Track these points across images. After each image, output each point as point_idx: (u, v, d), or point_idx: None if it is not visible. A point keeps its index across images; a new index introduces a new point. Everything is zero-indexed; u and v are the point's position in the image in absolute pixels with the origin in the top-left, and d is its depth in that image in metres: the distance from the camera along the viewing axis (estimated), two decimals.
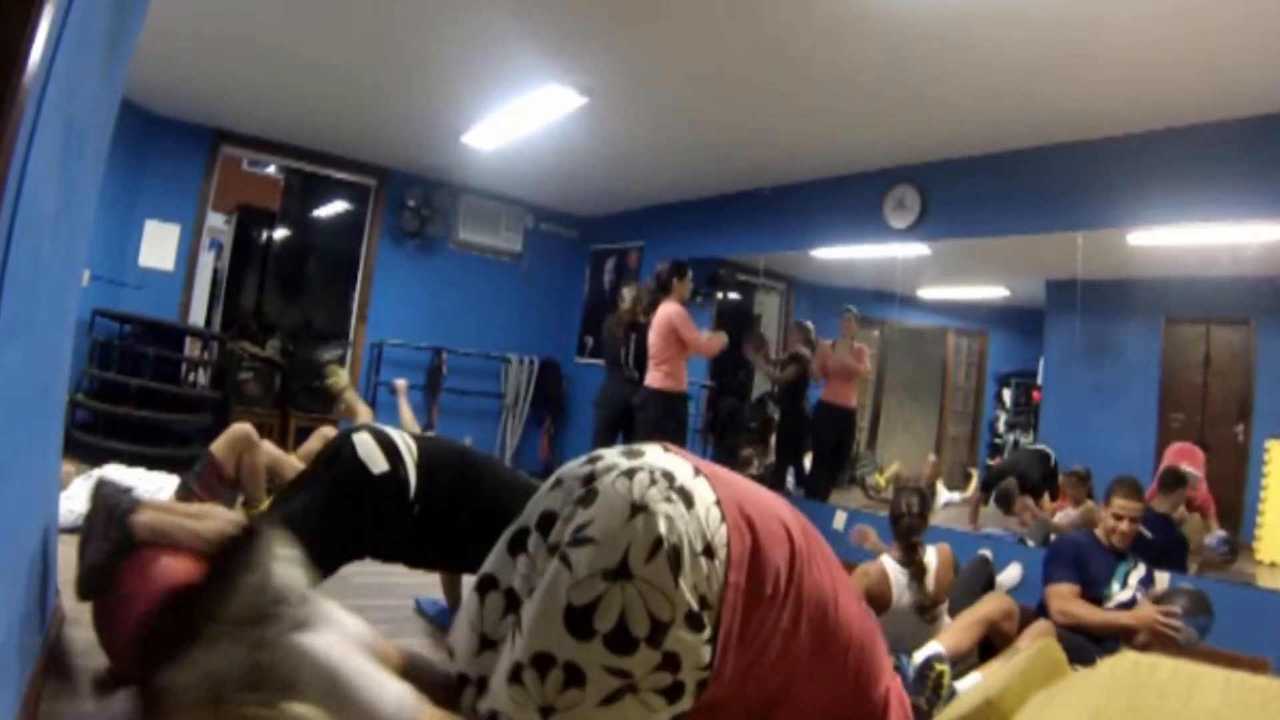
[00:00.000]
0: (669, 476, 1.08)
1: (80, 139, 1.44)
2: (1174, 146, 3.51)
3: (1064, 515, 4.09)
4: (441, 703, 1.12)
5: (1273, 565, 3.64)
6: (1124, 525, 2.79)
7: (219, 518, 1.86)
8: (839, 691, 1.25)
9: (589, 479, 1.12)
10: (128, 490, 1.86)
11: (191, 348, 5.60)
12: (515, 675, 1.02)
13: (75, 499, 3.11)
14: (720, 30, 3.21)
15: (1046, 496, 4.32)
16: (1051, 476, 4.30)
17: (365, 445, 1.94)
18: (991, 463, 5.23)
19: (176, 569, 1.74)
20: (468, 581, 2.64)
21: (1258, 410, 3.93)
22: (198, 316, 5.77)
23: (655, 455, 1.14)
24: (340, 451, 1.95)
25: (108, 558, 1.71)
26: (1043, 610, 2.76)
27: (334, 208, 7.46)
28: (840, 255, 5.17)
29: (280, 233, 7.55)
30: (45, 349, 1.47)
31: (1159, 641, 2.53)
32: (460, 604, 2.62)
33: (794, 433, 5.63)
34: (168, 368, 5.06)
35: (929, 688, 2.16)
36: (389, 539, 1.98)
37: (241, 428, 3.25)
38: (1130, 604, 2.73)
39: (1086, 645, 2.49)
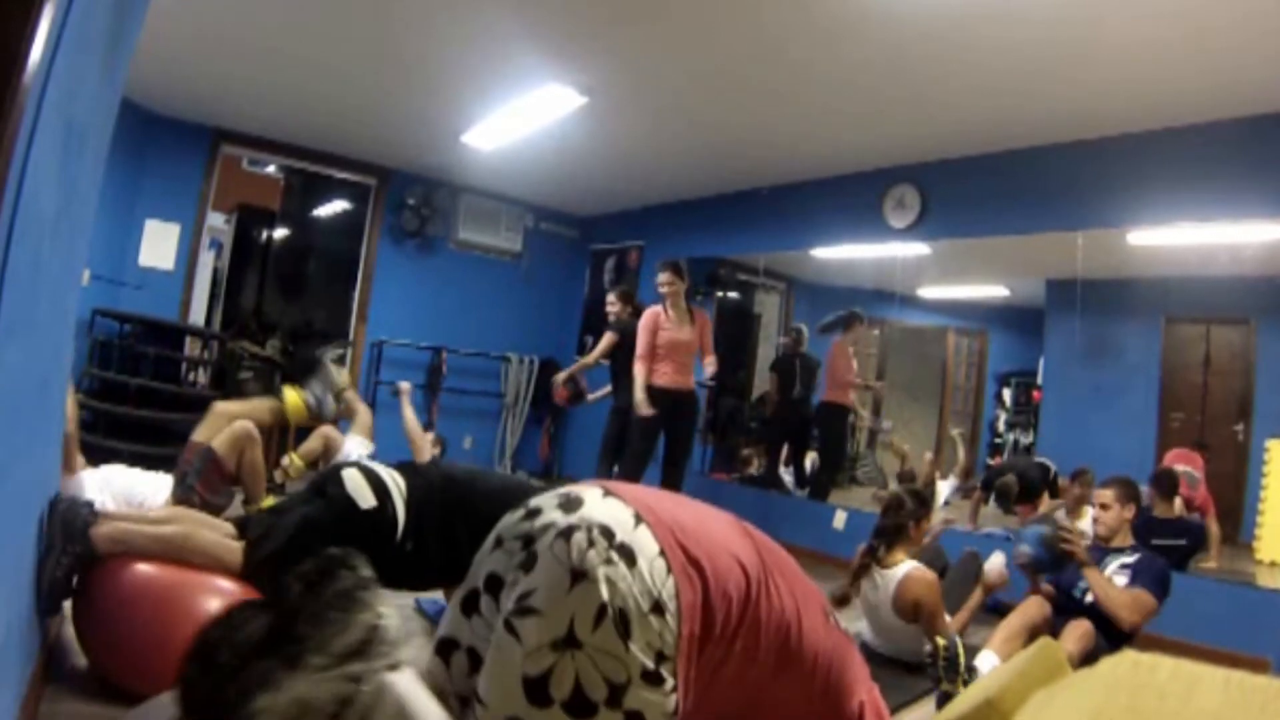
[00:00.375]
0: (608, 534, 1.06)
1: (80, 139, 1.44)
2: (1174, 146, 3.52)
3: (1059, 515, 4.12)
4: None
5: (1273, 565, 3.65)
6: (1097, 511, 2.88)
7: (184, 520, 1.86)
8: (806, 708, 1.25)
9: (528, 540, 1.10)
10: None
11: (191, 347, 5.61)
12: None
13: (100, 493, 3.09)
14: (720, 30, 3.21)
15: (1046, 496, 4.32)
16: (1052, 484, 4.31)
17: (353, 480, 1.96)
18: (991, 462, 5.23)
19: (156, 577, 1.76)
20: None
21: (1258, 410, 3.93)
22: (198, 316, 5.77)
23: (593, 506, 1.11)
24: (327, 486, 1.97)
25: (68, 572, 1.71)
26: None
27: (334, 207, 7.46)
28: (840, 255, 5.17)
29: (280, 232, 7.55)
30: (45, 348, 1.47)
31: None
32: None
33: (784, 431, 5.71)
34: (168, 367, 5.06)
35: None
36: (382, 571, 1.97)
37: (243, 425, 3.26)
38: None
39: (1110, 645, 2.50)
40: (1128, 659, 0.97)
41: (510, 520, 1.18)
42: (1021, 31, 2.90)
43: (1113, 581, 2.67)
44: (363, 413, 4.06)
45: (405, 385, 4.62)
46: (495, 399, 6.64)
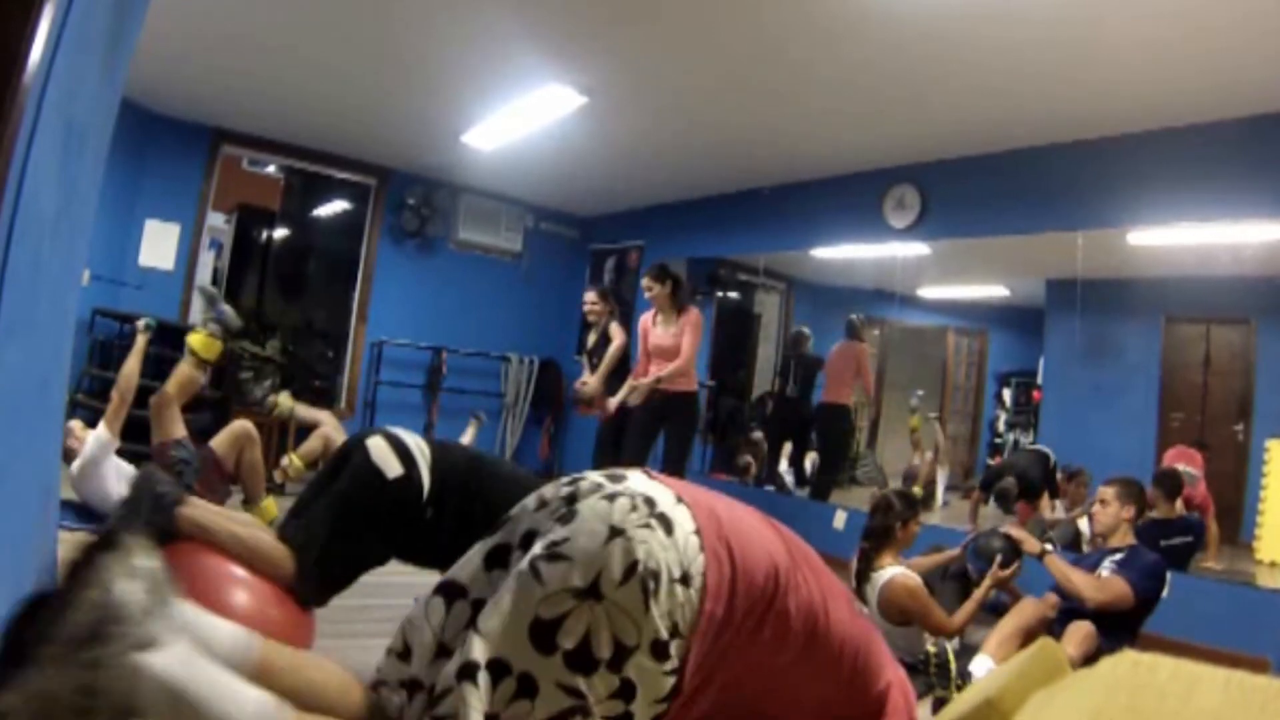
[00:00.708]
0: (650, 502, 1.09)
1: (80, 139, 1.44)
2: (1173, 146, 3.51)
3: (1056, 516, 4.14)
4: None
5: (1273, 565, 3.65)
6: (1096, 508, 2.88)
7: (260, 528, 1.85)
8: (833, 693, 1.27)
9: (571, 499, 1.13)
10: (178, 484, 1.85)
11: None
12: (468, 673, 1.00)
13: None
14: (720, 30, 3.21)
15: (1046, 495, 4.32)
16: (1051, 476, 4.31)
17: (379, 449, 1.93)
18: (991, 462, 5.24)
19: (213, 567, 1.73)
20: None
21: (1258, 410, 3.93)
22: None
23: (638, 480, 1.15)
24: (353, 456, 1.94)
25: None
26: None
27: (334, 207, 7.46)
28: (840, 255, 5.17)
29: (280, 232, 7.55)
30: (45, 348, 1.47)
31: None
32: None
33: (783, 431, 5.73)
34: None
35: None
36: (404, 542, 1.98)
37: (242, 425, 3.26)
38: None
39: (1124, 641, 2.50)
40: (1128, 659, 0.97)
41: (554, 485, 1.20)
42: (1021, 31, 2.90)
43: (1074, 567, 2.68)
44: (320, 416, 4.00)
45: (483, 417, 4.55)
46: (495, 399, 6.64)
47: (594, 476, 1.17)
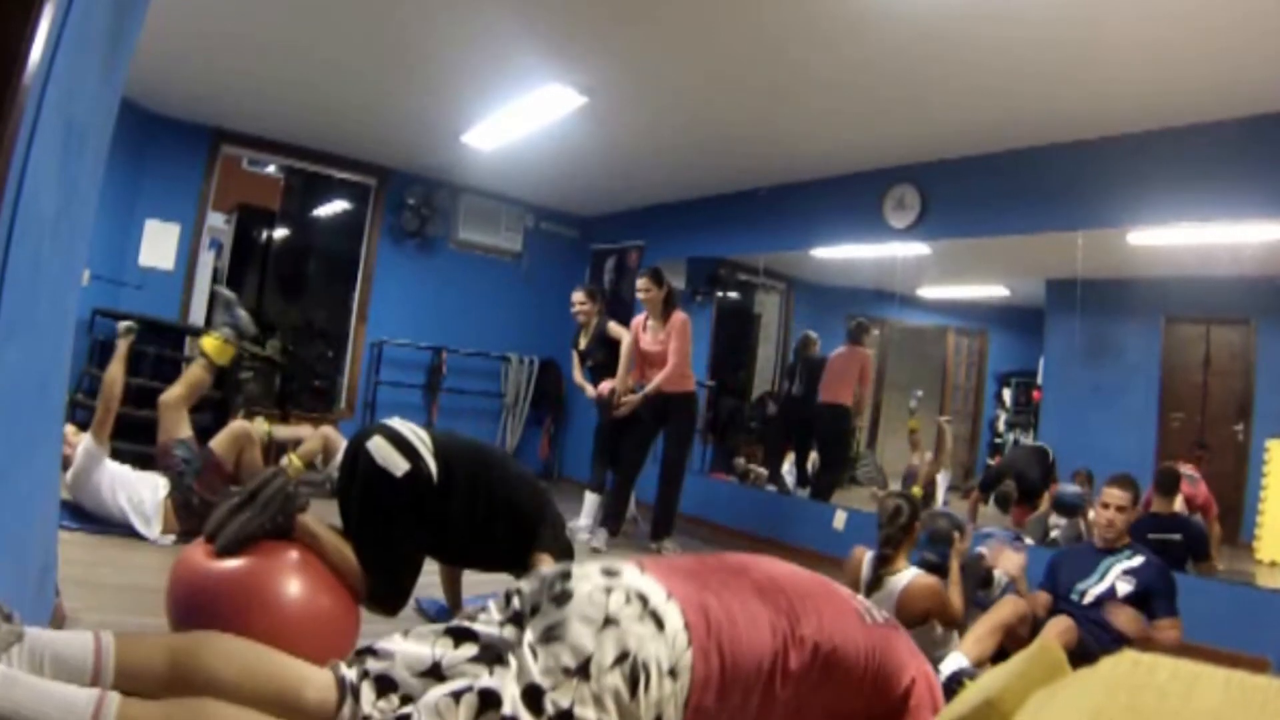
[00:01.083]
0: (643, 598, 1.17)
1: (80, 139, 1.44)
2: (1174, 146, 3.51)
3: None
4: None
5: (1273, 565, 3.65)
6: (1110, 514, 2.79)
7: (349, 554, 1.90)
8: (857, 703, 1.32)
9: (565, 577, 1.22)
10: (304, 491, 1.94)
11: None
12: (458, 694, 1.10)
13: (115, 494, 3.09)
14: (720, 30, 3.21)
15: (1046, 496, 4.32)
16: (1050, 474, 4.31)
17: (381, 450, 1.94)
18: (991, 462, 5.24)
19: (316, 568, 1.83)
20: (470, 581, 2.64)
21: (1258, 410, 3.92)
22: (198, 316, 5.75)
23: (632, 575, 1.22)
24: (357, 462, 1.95)
25: (262, 535, 1.80)
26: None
27: (334, 207, 7.46)
28: (840, 255, 5.17)
29: (280, 232, 7.55)
30: (45, 348, 1.47)
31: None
32: (460, 605, 2.63)
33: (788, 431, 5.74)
34: (168, 367, 5.05)
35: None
36: (422, 532, 2.00)
37: (241, 425, 3.27)
38: (1108, 595, 2.71)
39: (1105, 640, 2.49)
40: (1128, 659, 0.97)
41: (552, 568, 1.28)
42: (1021, 31, 2.90)
43: (1127, 611, 2.60)
44: (302, 432, 3.92)
45: None
46: (495, 399, 6.64)
47: (589, 567, 1.25)
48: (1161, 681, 0.88)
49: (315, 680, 1.18)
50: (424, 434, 2.04)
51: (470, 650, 1.18)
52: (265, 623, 1.61)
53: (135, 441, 4.29)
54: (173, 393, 3.32)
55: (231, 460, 3.37)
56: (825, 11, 2.95)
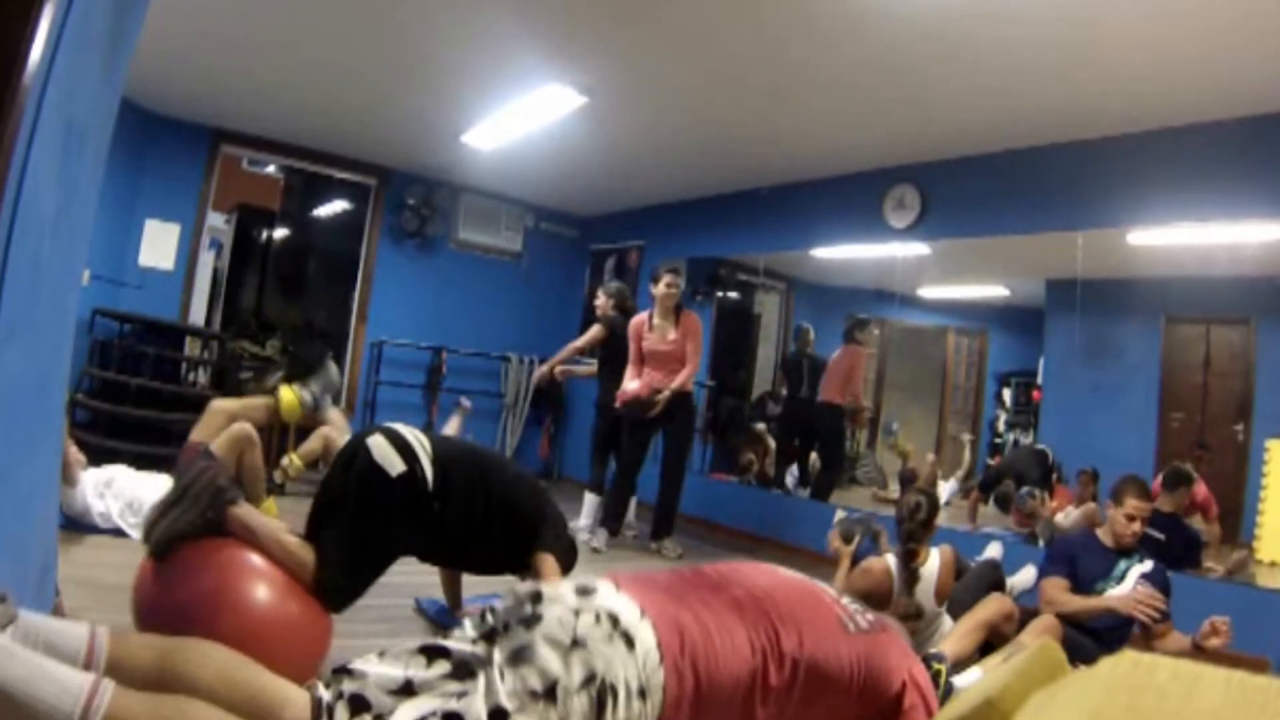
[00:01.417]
0: (614, 619, 1.16)
1: (80, 139, 1.44)
2: (1174, 146, 3.51)
3: (1065, 515, 4.10)
4: None
5: (1273, 565, 3.64)
6: (1136, 526, 2.77)
7: (286, 543, 1.87)
8: (847, 710, 1.33)
9: (535, 600, 1.20)
10: (236, 484, 1.93)
11: (191, 347, 5.60)
12: (422, 718, 1.09)
13: (102, 497, 3.10)
14: (720, 30, 3.21)
15: (1045, 495, 4.31)
16: (1049, 475, 4.31)
17: (380, 448, 1.94)
18: (991, 462, 5.24)
19: (246, 565, 1.78)
20: (470, 581, 2.64)
21: (1258, 410, 3.92)
22: (198, 316, 5.76)
23: (606, 594, 1.21)
24: (355, 458, 1.95)
25: (193, 531, 1.77)
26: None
27: (334, 207, 7.46)
28: (840, 255, 5.17)
29: (280, 232, 7.55)
30: (45, 348, 1.47)
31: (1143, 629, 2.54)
32: (459, 604, 2.63)
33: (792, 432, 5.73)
34: (168, 367, 5.06)
35: None
36: (414, 537, 1.99)
37: (241, 428, 3.26)
38: None
39: (1088, 643, 2.49)
40: (1128, 659, 0.97)
41: (524, 586, 1.25)
42: (1021, 31, 2.90)
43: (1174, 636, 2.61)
44: (332, 419, 3.98)
45: (466, 404, 4.51)
46: (495, 399, 6.64)
47: (563, 588, 1.23)
48: (1162, 682, 0.88)
49: (296, 700, 1.19)
50: (425, 440, 2.04)
51: (442, 668, 1.17)
52: (234, 628, 1.56)
53: (136, 442, 4.30)
54: (227, 405, 3.30)
55: (232, 463, 3.37)
56: (825, 11, 2.95)
